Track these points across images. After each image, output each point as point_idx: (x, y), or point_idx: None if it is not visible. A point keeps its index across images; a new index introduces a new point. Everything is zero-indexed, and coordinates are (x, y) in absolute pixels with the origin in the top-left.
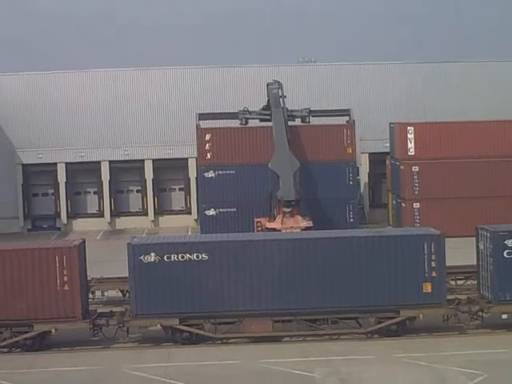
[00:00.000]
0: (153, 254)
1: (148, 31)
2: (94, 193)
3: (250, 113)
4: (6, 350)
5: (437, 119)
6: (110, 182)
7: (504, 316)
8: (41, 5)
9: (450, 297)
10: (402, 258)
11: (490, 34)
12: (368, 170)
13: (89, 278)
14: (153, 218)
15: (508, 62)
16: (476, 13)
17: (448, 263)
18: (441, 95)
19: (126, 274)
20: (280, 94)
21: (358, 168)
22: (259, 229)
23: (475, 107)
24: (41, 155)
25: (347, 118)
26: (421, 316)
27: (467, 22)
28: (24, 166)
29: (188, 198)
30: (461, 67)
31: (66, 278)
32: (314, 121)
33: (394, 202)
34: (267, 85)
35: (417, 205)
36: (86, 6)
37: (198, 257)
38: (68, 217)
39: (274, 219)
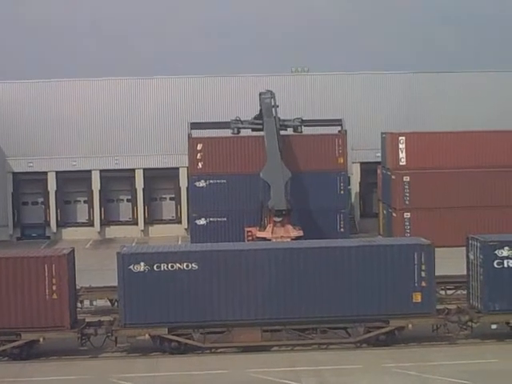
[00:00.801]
0: (142, 264)
1: (141, 40)
2: (84, 202)
3: (242, 122)
4: None
5: (429, 130)
6: (100, 191)
7: (493, 326)
8: (34, 13)
9: (439, 307)
10: (392, 268)
11: (490, 43)
12: (359, 180)
13: (78, 287)
14: (143, 228)
15: (508, 72)
16: (476, 22)
17: (438, 273)
18: (434, 105)
19: (115, 284)
20: (272, 104)
21: (349, 177)
22: (249, 238)
23: (469, 118)
24: (31, 164)
25: (339, 127)
26: (410, 326)
27: (467, 32)
28: (14, 174)
29: (178, 207)
30: (456, 77)
31: (54, 287)
32: (306, 130)
33: (384, 212)
34: (260, 94)
35: (407, 214)
36: (77, 17)
37: (187, 266)
38: (58, 226)
39: (265, 229)
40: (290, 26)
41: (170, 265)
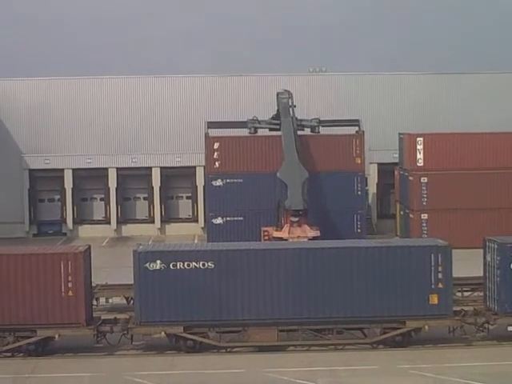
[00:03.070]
0: (158, 262)
1: (157, 38)
2: (101, 199)
3: (259, 122)
4: (9, 354)
5: (447, 130)
6: (117, 188)
7: (510, 328)
8: (45, 10)
9: (456, 308)
10: (409, 269)
11: (503, 45)
12: (376, 181)
13: (93, 285)
14: (159, 226)
15: None
16: (490, 24)
17: (455, 274)
18: (452, 106)
19: (131, 281)
20: (290, 104)
21: (366, 178)
22: (266, 238)
23: (487, 119)
24: (48, 161)
25: (357, 128)
26: (426, 327)
27: (482, 33)
28: (31, 171)
29: (195, 206)
30: (473, 79)
31: (70, 284)
32: (324, 131)
33: (401, 213)
34: (277, 94)
35: (425, 216)
36: (95, 12)
37: (203, 265)
38: (74, 223)
39: (282, 228)
40: (304, 26)
41: (186, 263)
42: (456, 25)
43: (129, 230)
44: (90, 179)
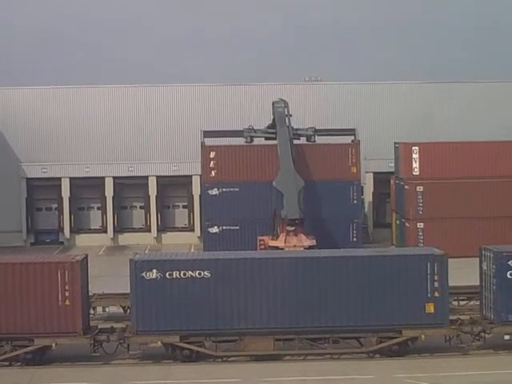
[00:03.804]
0: (155, 271)
1: (156, 41)
2: (98, 208)
3: (255, 131)
4: (6, 363)
5: (443, 139)
6: (113, 197)
7: (506, 337)
8: (43, 19)
9: (452, 317)
10: (405, 278)
11: (501, 54)
12: (372, 190)
13: (90, 294)
14: (156, 235)
15: None
16: (487, 32)
17: (451, 283)
18: (448, 115)
19: (128, 291)
20: (285, 113)
21: (362, 187)
22: (262, 247)
23: (483, 128)
24: (45, 169)
25: (352, 137)
26: (423, 336)
27: (478, 41)
28: (28, 179)
29: (191, 215)
30: (469, 88)
31: (67, 293)
32: (319, 140)
33: (397, 222)
34: (273, 103)
35: (421, 225)
36: (95, 12)
37: (200, 274)
38: (71, 232)
39: (278, 237)
40: (303, 34)
41: (182, 272)
42: (455, 28)
43: (125, 238)
44: (86, 188)
